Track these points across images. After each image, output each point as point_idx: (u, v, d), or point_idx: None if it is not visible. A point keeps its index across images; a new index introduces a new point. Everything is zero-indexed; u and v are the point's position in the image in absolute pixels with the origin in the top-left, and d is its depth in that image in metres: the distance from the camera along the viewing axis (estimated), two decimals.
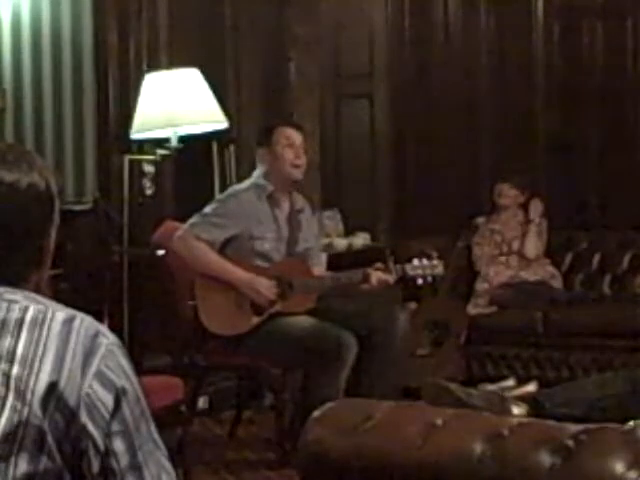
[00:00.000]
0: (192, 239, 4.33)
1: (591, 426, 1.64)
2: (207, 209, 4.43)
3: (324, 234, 6.31)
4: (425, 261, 4.44)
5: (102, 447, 1.39)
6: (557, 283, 5.99)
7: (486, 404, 3.43)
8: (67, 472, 1.38)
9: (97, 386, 1.39)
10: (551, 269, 6.02)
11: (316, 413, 1.90)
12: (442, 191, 6.65)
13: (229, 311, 4.34)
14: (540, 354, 5.62)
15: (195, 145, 5.21)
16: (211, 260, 4.35)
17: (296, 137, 4.52)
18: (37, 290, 1.51)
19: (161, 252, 4.60)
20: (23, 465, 1.35)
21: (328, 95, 6.91)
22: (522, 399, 3.63)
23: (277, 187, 4.51)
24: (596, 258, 6.08)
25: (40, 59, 5.39)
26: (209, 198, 4.75)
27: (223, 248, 4.41)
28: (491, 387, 4.32)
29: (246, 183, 4.58)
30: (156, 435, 1.47)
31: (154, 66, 5.28)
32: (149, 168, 5.36)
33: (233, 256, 4.38)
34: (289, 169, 4.48)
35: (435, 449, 1.70)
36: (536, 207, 6.03)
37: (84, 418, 1.38)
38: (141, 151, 5.32)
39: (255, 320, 4.35)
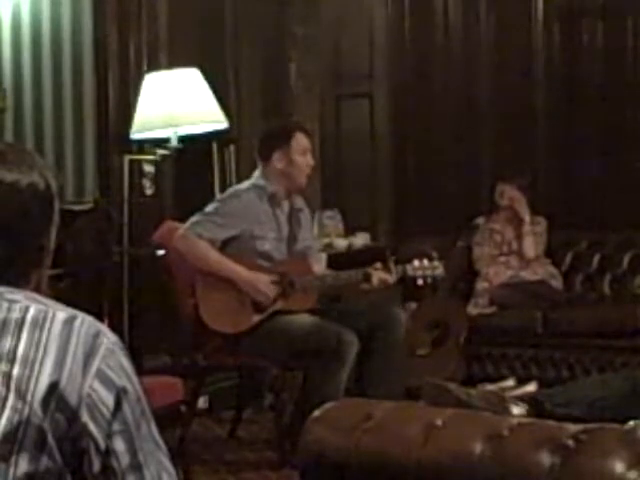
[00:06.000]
0: (193, 237, 4.34)
1: (591, 426, 1.64)
2: (208, 208, 4.44)
3: (324, 234, 6.31)
4: (426, 262, 4.45)
5: (103, 447, 1.39)
6: (557, 283, 5.98)
7: (486, 404, 3.43)
8: (68, 472, 1.38)
9: (98, 386, 1.39)
10: (551, 269, 6.01)
11: (316, 413, 1.90)
12: (442, 191, 6.65)
13: (230, 309, 4.34)
14: (540, 354, 5.61)
15: (195, 145, 5.22)
16: (212, 258, 4.36)
17: (309, 145, 4.56)
18: (37, 290, 1.51)
19: (161, 252, 4.60)
20: (24, 465, 1.35)
21: (328, 95, 6.91)
22: (522, 399, 3.63)
23: (281, 189, 4.52)
24: (596, 258, 6.07)
25: (40, 59, 5.39)
26: (209, 198, 4.75)
27: (224, 248, 4.41)
28: (491, 387, 4.32)
29: (246, 184, 4.59)
30: (157, 435, 1.47)
31: (154, 66, 5.28)
32: (149, 168, 5.37)
33: (234, 255, 4.39)
34: (302, 177, 4.52)
35: (435, 449, 1.70)
36: (521, 205, 6.01)
37: (85, 418, 1.38)
38: (141, 151, 5.33)
39: (256, 318, 4.35)
